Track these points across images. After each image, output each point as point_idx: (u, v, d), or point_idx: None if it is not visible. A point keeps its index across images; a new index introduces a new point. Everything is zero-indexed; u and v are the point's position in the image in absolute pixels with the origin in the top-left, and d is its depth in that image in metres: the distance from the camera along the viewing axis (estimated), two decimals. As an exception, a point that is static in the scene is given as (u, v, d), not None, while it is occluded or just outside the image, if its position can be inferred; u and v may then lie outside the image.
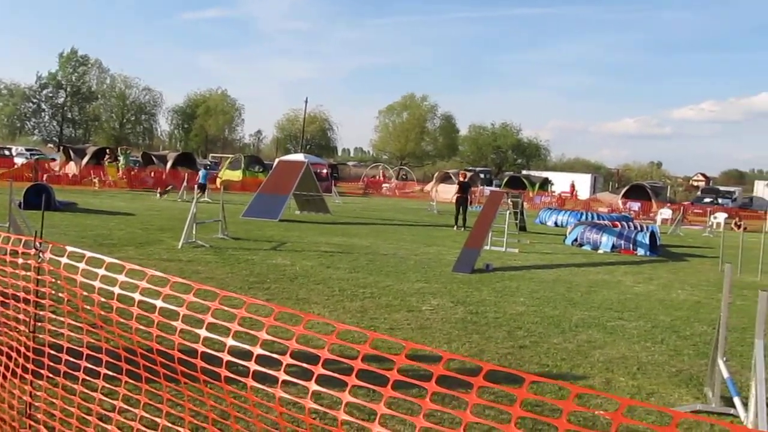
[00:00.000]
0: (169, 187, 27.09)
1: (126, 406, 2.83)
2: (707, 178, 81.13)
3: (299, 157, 40.28)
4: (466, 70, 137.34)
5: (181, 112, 75.59)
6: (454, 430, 1.94)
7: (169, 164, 37.34)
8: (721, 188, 52.27)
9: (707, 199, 43.37)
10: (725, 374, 4.78)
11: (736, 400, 4.49)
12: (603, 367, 6.13)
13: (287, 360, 2.04)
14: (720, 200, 43.37)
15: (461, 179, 22.62)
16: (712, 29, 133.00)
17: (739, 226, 26.57)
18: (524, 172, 57.76)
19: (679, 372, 6.18)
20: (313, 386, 1.95)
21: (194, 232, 12.41)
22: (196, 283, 2.54)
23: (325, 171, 44.79)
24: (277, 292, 8.56)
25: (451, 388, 2.08)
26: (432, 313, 7.92)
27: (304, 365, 2.04)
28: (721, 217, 28.53)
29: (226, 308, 2.35)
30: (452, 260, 12.09)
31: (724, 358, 5.09)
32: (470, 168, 53.76)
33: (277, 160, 35.40)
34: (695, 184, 73.15)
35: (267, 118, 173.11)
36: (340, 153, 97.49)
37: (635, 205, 35.67)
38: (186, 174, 29.79)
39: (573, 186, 48.25)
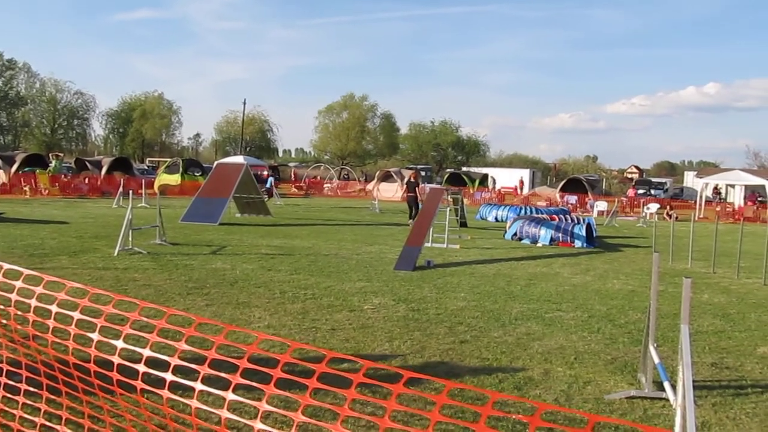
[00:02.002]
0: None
1: (49, 423, 2.73)
2: (640, 170, 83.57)
3: (239, 159, 39.75)
4: (404, 69, 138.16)
5: (115, 116, 73.72)
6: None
7: (104, 170, 36.39)
8: (654, 180, 53.95)
9: (641, 191, 44.68)
10: (656, 360, 4.91)
11: (666, 385, 4.62)
12: (542, 358, 6.24)
13: (205, 370, 2.00)
14: (652, 191, 44.76)
15: (411, 179, 22.86)
16: (641, 26, 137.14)
17: (670, 216, 27.44)
18: (464, 168, 58.42)
19: (615, 360, 6.33)
20: (230, 395, 1.91)
21: (130, 239, 12.12)
22: (117, 294, 2.46)
23: (265, 173, 44.37)
24: (216, 296, 8.43)
25: (374, 394, 2.07)
26: (374, 311, 7.92)
27: (222, 375, 2.00)
28: (653, 207, 29.43)
29: (145, 319, 2.28)
30: (394, 258, 12.13)
31: (655, 345, 5.24)
32: (411, 166, 54.08)
33: (216, 162, 34.86)
34: (629, 176, 75.25)
35: (205, 121, 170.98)
36: (281, 154, 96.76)
37: (572, 199, 36.48)
38: (122, 179, 29.07)
39: (522, 182, 49.34)
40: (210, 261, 11.45)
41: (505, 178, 50.64)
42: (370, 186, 43.93)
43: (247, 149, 69.10)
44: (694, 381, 5.65)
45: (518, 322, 7.68)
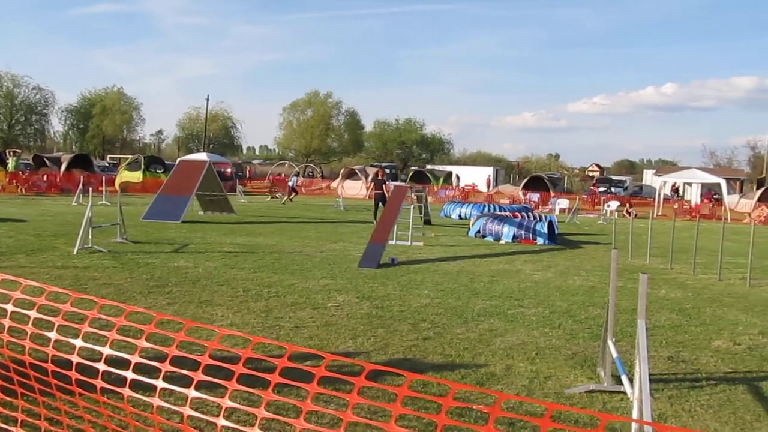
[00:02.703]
0: (278, 194, 29.08)
1: (4, 426, 2.68)
2: (601, 169, 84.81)
3: (202, 156, 39.31)
4: (369, 67, 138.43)
5: (75, 112, 72.13)
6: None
7: (63, 166, 35.69)
8: (614, 178, 54.85)
9: (601, 188, 45.40)
10: (614, 354, 5.02)
11: (624, 378, 4.72)
12: (504, 353, 6.32)
13: (167, 368, 1.99)
14: (613, 189, 45.52)
15: (378, 176, 23.07)
16: (602, 26, 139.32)
17: (630, 213, 27.95)
18: (429, 166, 58.66)
19: (575, 354, 6.44)
20: (192, 393, 1.91)
21: (90, 237, 11.92)
22: (75, 293, 2.43)
23: (229, 170, 43.99)
24: (178, 295, 8.34)
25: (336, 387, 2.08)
26: (337, 309, 7.93)
27: (184, 372, 1.99)
28: (613, 205, 29.93)
29: (104, 317, 2.26)
30: (358, 256, 12.14)
31: (614, 339, 5.35)
32: (376, 164, 54.13)
33: (178, 159, 34.44)
34: (590, 174, 76.36)
35: (168, 117, 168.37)
36: (245, 151, 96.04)
37: (535, 196, 36.90)
38: (82, 176, 28.55)
39: (489, 180, 49.93)
40: (172, 259, 11.32)
41: (469, 176, 51.03)
42: (334, 184, 43.84)
43: (211, 146, 68.29)
44: (651, 374, 5.79)
45: (481, 319, 7.76)
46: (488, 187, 47.87)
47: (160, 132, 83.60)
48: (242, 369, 1.98)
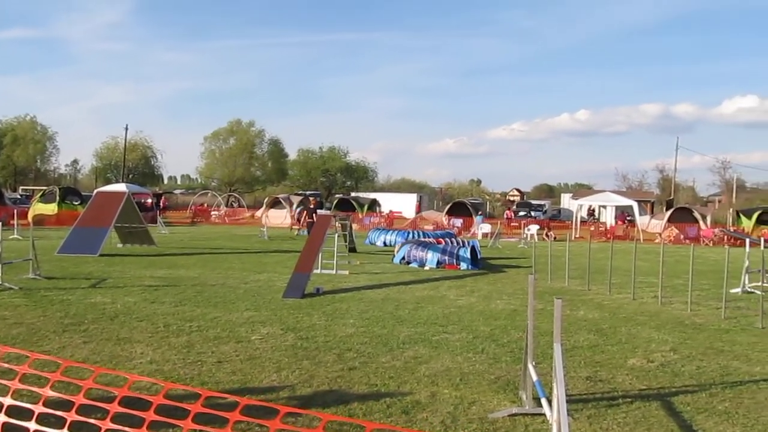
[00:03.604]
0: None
1: None
2: (521, 193, 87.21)
3: (120, 187, 38.23)
4: (292, 95, 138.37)
5: (-16, 142, 69.02)
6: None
7: (-30, 200, 34.03)
8: (533, 202, 56.39)
9: (522, 212, 46.58)
10: (534, 377, 5.13)
11: (543, 401, 4.84)
12: (429, 381, 6.36)
13: (72, 416, 1.93)
14: (533, 213, 46.77)
15: (311, 205, 23.31)
16: (516, 56, 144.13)
17: (549, 237, 28.75)
18: (353, 194, 58.84)
19: (498, 379, 6.55)
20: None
21: (0, 274, 11.38)
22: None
23: (149, 200, 42.93)
24: (95, 333, 8.05)
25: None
26: (262, 342, 7.82)
27: (90, 421, 1.93)
28: (533, 228, 30.73)
29: (5, 365, 2.17)
30: (283, 286, 12.04)
31: (534, 362, 5.48)
32: (301, 192, 53.92)
33: (96, 190, 33.40)
34: (511, 198, 78.28)
35: (85, 147, 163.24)
36: (166, 181, 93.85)
37: (458, 222, 37.51)
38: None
39: (419, 206, 50.77)
40: (89, 295, 10.93)
41: (394, 203, 51.48)
42: (258, 213, 43.37)
43: (130, 176, 66.48)
44: (570, 395, 5.96)
45: (406, 346, 7.80)
46: (418, 212, 48.75)
47: (75, 162, 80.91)
48: (153, 416, 1.94)
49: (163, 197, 48.74)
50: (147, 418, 1.86)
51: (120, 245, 20.30)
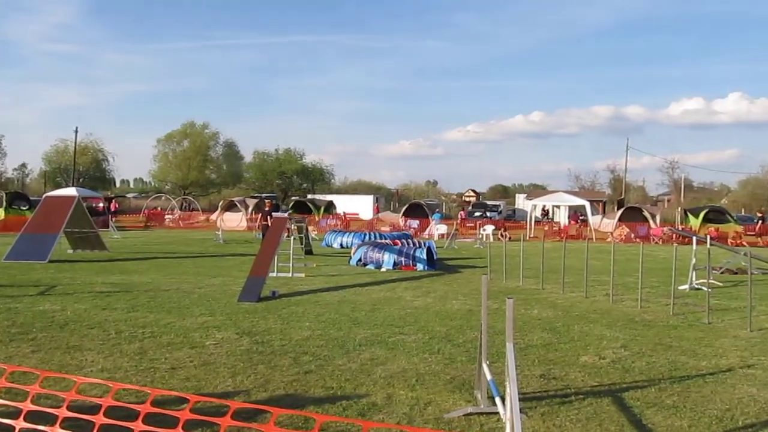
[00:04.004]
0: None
1: None
2: (477, 194, 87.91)
3: (70, 191, 37.38)
4: (246, 97, 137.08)
5: (-75, 148, 66.77)
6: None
7: None
8: (489, 202, 56.99)
9: (477, 213, 47.02)
10: (488, 376, 5.20)
11: (497, 400, 4.90)
12: (385, 382, 6.38)
13: (20, 424, 1.89)
14: (488, 213, 47.25)
15: (267, 207, 23.23)
16: (469, 58, 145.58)
17: (504, 237, 29.09)
18: (309, 196, 58.65)
19: (454, 379, 6.60)
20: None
21: (-58, 283, 11.04)
22: None
23: (101, 205, 42.11)
24: (44, 341, 7.85)
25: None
26: (216, 347, 7.74)
27: (39, 428, 1.90)
28: (489, 229, 31.04)
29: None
30: (238, 290, 11.92)
31: (488, 362, 5.54)
32: (256, 195, 53.51)
33: (45, 195, 32.60)
34: (467, 199, 78.95)
35: (33, 150, 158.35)
36: (118, 184, 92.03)
37: (414, 223, 37.68)
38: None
39: (378, 208, 50.92)
40: (37, 302, 10.65)
41: (351, 205, 51.49)
42: (213, 216, 42.88)
43: (80, 180, 65.08)
44: (524, 393, 6.05)
45: (362, 348, 7.81)
46: (376, 213, 48.97)
47: (24, 166, 78.76)
48: (102, 419, 1.91)
49: (113, 201, 47.72)
50: (97, 421, 1.83)
51: (70, 251, 19.85)
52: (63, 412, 1.96)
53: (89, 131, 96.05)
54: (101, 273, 14.98)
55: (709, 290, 11.19)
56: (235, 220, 39.29)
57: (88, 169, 70.26)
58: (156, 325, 8.97)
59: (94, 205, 40.37)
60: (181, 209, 50.78)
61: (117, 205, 47.72)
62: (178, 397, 2.09)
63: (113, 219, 34.65)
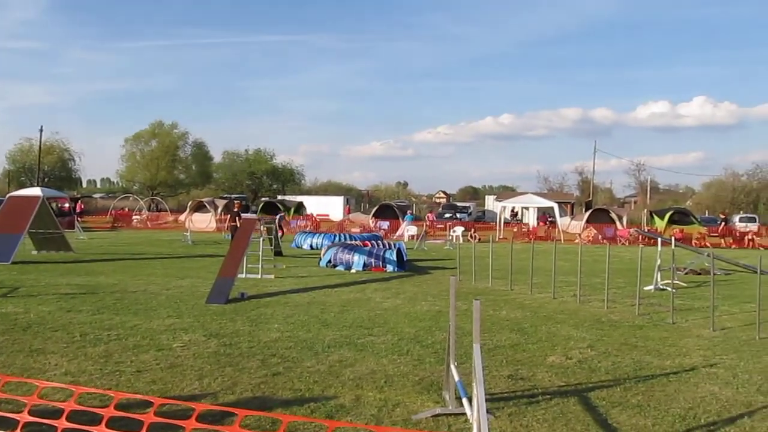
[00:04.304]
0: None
1: None
2: (447, 195, 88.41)
3: (35, 191, 36.67)
4: (216, 97, 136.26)
5: None
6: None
7: None
8: (459, 204, 57.26)
9: (447, 214, 47.21)
10: (456, 377, 5.22)
11: (464, 401, 4.92)
12: (353, 384, 6.37)
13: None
14: (458, 215, 47.48)
15: (235, 208, 23.17)
16: (438, 60, 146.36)
17: (473, 238, 29.25)
18: (279, 197, 58.37)
19: (422, 380, 6.62)
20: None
21: None
22: None
23: (66, 205, 41.41)
24: (6, 345, 7.69)
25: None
26: (183, 349, 7.66)
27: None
28: (459, 230, 31.20)
29: None
30: (206, 292, 11.81)
31: (455, 363, 5.57)
32: (226, 195, 53.11)
33: (8, 195, 31.92)
34: (437, 200, 79.28)
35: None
36: (85, 185, 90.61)
37: (384, 224, 37.71)
38: None
39: (349, 209, 50.91)
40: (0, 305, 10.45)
41: (321, 206, 51.36)
42: (182, 217, 42.42)
43: (46, 180, 63.90)
44: (492, 394, 6.09)
45: (331, 350, 7.79)
46: (348, 213, 49.03)
47: (-14, 165, 77.09)
48: (65, 424, 1.88)
49: (79, 201, 46.92)
50: (59, 426, 1.80)
51: (35, 252, 19.47)
52: (24, 417, 1.93)
53: (55, 130, 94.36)
54: (66, 274, 14.74)
55: (674, 291, 11.38)
56: (204, 221, 38.93)
57: (53, 168, 68.99)
58: (122, 327, 8.85)
59: (59, 205, 39.70)
60: (149, 210, 50.19)
61: (83, 206, 46.90)
62: (143, 400, 2.07)
63: (79, 219, 34.08)
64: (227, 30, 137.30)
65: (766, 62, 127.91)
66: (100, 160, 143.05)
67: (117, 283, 13.36)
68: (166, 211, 50.76)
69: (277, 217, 32.34)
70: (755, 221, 44.72)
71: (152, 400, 2.06)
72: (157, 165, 67.80)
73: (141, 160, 69.05)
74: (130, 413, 2.10)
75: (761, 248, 30.96)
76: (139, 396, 2.05)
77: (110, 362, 6.99)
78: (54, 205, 34.40)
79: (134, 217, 44.32)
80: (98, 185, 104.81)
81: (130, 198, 55.92)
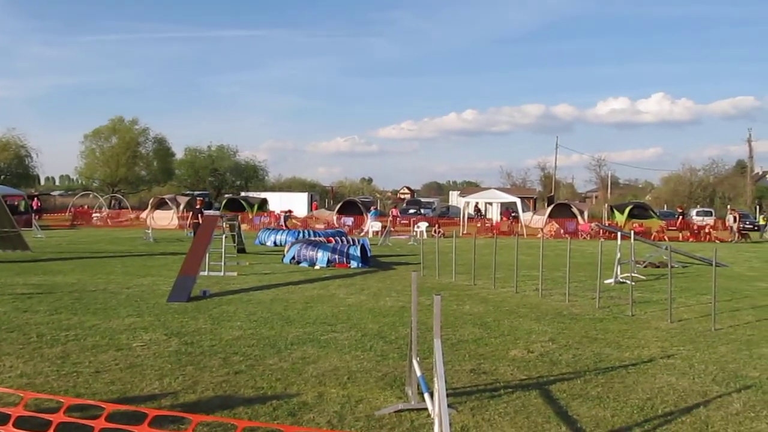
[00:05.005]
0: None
1: None
2: (412, 191, 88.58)
3: (-10, 189, 35.81)
4: (177, 92, 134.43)
5: None
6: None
7: None
8: (423, 199, 57.42)
9: (411, 210, 47.31)
10: (418, 373, 5.23)
11: (426, 396, 4.94)
12: (316, 381, 6.35)
13: None
14: (422, 210, 47.62)
15: (198, 205, 23.15)
16: (400, 56, 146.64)
17: (437, 233, 29.38)
18: (243, 193, 57.84)
19: (385, 375, 6.63)
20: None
21: None
22: None
23: (16, 203, 40.43)
24: (-42, 347, 7.50)
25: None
26: (143, 349, 7.54)
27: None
28: (423, 225, 31.29)
29: None
30: (167, 290, 11.67)
31: (418, 358, 5.58)
32: (188, 192, 52.47)
33: (-39, 194, 31.07)
34: (402, 196, 79.42)
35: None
36: (42, 182, 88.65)
37: (349, 220, 37.65)
38: None
39: (316, 205, 51.18)
40: (-48, 306, 10.17)
41: (285, 202, 51.01)
42: (143, 214, 41.78)
43: (1, 177, 62.36)
44: (454, 388, 6.12)
45: (294, 347, 7.75)
46: (314, 210, 48.99)
47: (-63, 163, 74.92)
48: (12, 430, 1.83)
49: (35, 199, 45.85)
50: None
51: (-11, 251, 19.00)
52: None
53: (11, 125, 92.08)
54: (22, 273, 14.41)
55: (633, 284, 11.57)
56: (165, 218, 38.38)
57: (9, 165, 67.32)
58: (80, 327, 8.68)
59: (15, 203, 38.77)
60: (109, 207, 49.30)
61: (39, 203, 45.83)
62: (95, 405, 2.02)
63: (37, 217, 33.33)
64: (188, 25, 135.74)
65: (722, 60, 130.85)
66: (58, 157, 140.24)
67: (75, 282, 13.11)
68: (127, 208, 49.92)
69: (283, 216, 33.14)
70: (711, 215, 45.67)
71: (103, 406, 2.01)
72: (118, 161, 66.54)
73: (101, 156, 67.67)
74: (80, 419, 2.05)
75: (717, 241, 31.68)
76: (88, 401, 2.00)
77: (68, 363, 6.85)
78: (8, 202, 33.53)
79: (94, 214, 43.50)
80: (57, 182, 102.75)
81: (90, 195, 54.87)
